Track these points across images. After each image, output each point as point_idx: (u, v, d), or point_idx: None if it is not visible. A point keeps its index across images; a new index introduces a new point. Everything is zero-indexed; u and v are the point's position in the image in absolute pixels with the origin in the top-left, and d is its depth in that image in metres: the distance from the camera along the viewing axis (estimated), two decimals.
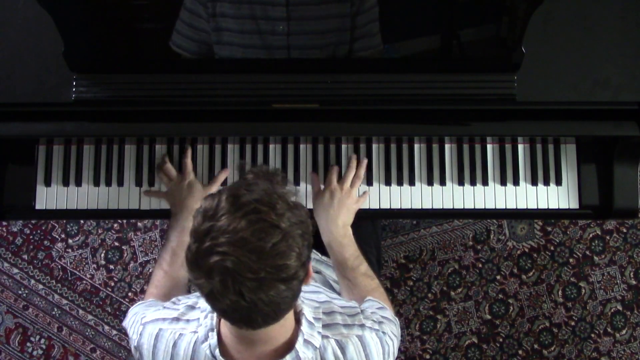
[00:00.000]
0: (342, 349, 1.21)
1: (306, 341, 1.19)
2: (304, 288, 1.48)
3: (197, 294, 1.36)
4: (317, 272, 1.74)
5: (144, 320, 1.30)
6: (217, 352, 1.18)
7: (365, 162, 1.68)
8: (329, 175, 1.66)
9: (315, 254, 1.76)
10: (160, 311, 1.31)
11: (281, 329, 1.17)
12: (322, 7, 1.49)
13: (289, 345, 1.18)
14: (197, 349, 1.21)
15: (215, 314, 1.22)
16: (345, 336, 1.23)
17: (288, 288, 1.05)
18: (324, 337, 1.21)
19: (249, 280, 1.01)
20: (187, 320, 1.26)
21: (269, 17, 1.48)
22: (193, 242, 1.05)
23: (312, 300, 1.35)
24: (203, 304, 1.28)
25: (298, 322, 1.21)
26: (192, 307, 1.30)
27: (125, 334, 2.42)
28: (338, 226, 1.59)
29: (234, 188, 1.08)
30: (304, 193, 1.71)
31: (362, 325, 1.26)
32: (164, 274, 1.57)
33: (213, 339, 1.19)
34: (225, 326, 1.19)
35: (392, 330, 1.32)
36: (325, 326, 1.23)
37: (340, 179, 1.67)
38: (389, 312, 1.38)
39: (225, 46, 1.53)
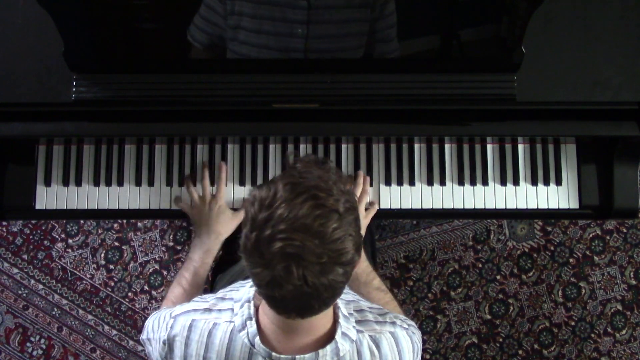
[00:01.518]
0: (377, 344, 1.22)
1: (344, 334, 1.20)
2: None
3: (228, 288, 1.36)
4: None
5: (174, 314, 1.28)
6: (256, 340, 1.18)
7: (368, 178, 1.68)
8: None
9: None
10: (189, 304, 1.30)
11: (324, 319, 1.18)
12: (343, 12, 1.48)
13: (329, 337, 1.19)
14: (234, 338, 1.20)
15: (252, 303, 1.22)
16: (379, 332, 1.24)
17: (345, 272, 1.07)
18: (358, 331, 1.22)
19: (313, 264, 1.02)
20: (220, 310, 1.25)
21: (288, 20, 1.48)
22: (251, 231, 1.06)
23: (342, 299, 1.35)
24: (234, 294, 1.28)
25: (335, 315, 1.22)
26: (222, 299, 1.29)
27: (126, 334, 2.42)
28: None
29: (289, 176, 1.09)
30: None
31: (393, 323, 1.27)
32: (183, 291, 1.56)
33: (252, 327, 1.19)
34: (264, 315, 1.19)
35: (418, 337, 1.33)
36: (357, 322, 1.24)
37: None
38: (413, 323, 1.39)
39: (240, 45, 1.52)
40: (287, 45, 1.50)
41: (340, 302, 1.23)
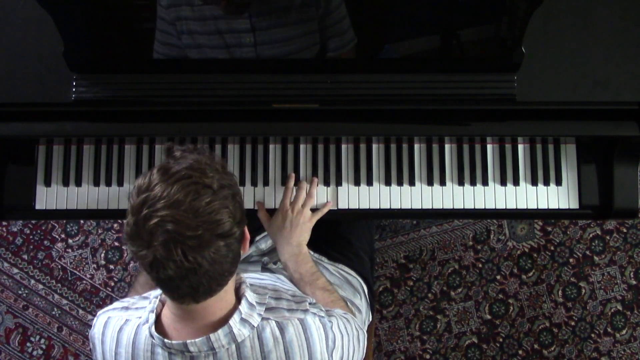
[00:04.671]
0: (282, 330, 1.23)
1: (243, 319, 1.20)
2: (260, 281, 1.48)
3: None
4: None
5: (98, 314, 1.33)
6: (152, 329, 1.21)
7: (315, 180, 1.68)
8: (282, 198, 1.66)
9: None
10: (113, 304, 1.35)
11: (220, 303, 1.19)
12: (286, 14, 1.49)
13: (224, 322, 1.20)
14: (139, 332, 1.24)
15: (158, 299, 1.25)
16: (287, 319, 1.24)
17: (226, 245, 1.09)
18: (264, 319, 1.23)
19: (189, 238, 1.05)
20: (136, 309, 1.29)
21: (234, 30, 1.49)
22: (130, 217, 1.09)
23: (264, 286, 1.37)
24: (152, 293, 1.31)
25: (238, 302, 1.23)
26: (144, 298, 1.33)
27: None
28: (292, 245, 1.60)
29: (163, 163, 1.13)
30: None
31: (305, 311, 1.27)
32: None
33: (151, 319, 1.22)
34: (166, 307, 1.23)
35: (346, 327, 1.33)
36: (268, 310, 1.25)
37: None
38: (350, 317, 1.38)
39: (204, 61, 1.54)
40: (240, 56, 1.52)
41: (250, 290, 1.25)
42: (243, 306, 1.21)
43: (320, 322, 1.27)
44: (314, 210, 1.67)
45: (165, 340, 1.19)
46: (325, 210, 1.68)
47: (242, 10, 1.47)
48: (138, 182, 1.11)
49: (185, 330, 1.20)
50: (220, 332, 1.18)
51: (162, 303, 1.25)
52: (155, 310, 1.24)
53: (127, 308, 1.30)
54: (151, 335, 1.21)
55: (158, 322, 1.23)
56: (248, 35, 1.49)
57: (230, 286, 1.20)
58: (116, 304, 1.33)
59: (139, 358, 1.23)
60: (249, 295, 1.24)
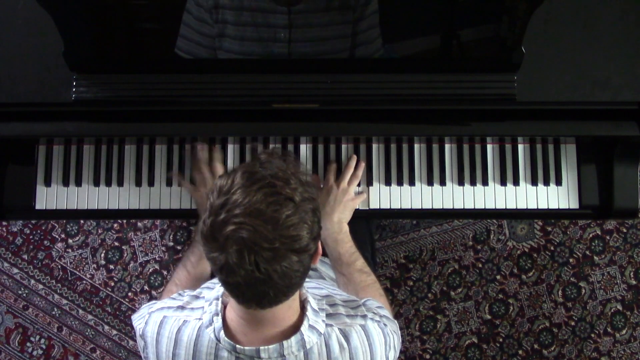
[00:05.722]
0: (346, 337, 1.23)
1: (311, 326, 1.21)
2: (306, 283, 1.49)
3: (202, 286, 1.38)
4: (314, 269, 1.75)
5: (150, 310, 1.32)
6: (221, 334, 1.20)
7: (363, 164, 1.69)
8: (327, 174, 1.68)
9: None
10: (165, 301, 1.34)
11: (288, 311, 1.19)
12: (325, 15, 1.49)
13: (295, 329, 1.19)
14: (201, 334, 1.22)
15: (220, 301, 1.24)
16: (349, 325, 1.25)
17: (300, 260, 1.08)
18: (327, 325, 1.23)
19: (264, 250, 1.03)
20: (192, 309, 1.28)
21: (271, 25, 1.49)
22: (208, 217, 1.08)
23: (314, 294, 1.36)
24: (207, 293, 1.30)
25: (303, 309, 1.23)
26: (196, 297, 1.31)
27: (126, 334, 2.42)
28: (333, 222, 1.61)
29: (248, 165, 1.11)
30: None
31: (364, 316, 1.28)
32: (187, 274, 1.59)
33: (218, 322, 1.21)
34: (231, 310, 1.21)
35: (393, 328, 1.34)
36: (328, 316, 1.25)
37: (338, 177, 1.68)
38: (387, 312, 1.39)
39: (226, 53, 1.54)
40: (270, 50, 1.51)
41: (310, 296, 1.24)
42: (309, 312, 1.21)
43: (379, 327, 1.28)
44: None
45: (237, 346, 1.18)
46: (365, 195, 1.69)
47: (293, 3, 1.46)
48: (220, 181, 1.10)
49: (254, 336, 1.19)
50: (293, 339, 1.18)
51: (224, 305, 1.24)
52: (219, 314, 1.22)
53: (182, 307, 1.29)
54: (217, 339, 1.20)
55: (224, 326, 1.21)
56: (283, 31, 1.49)
57: (297, 294, 1.19)
58: (168, 302, 1.32)
59: None
60: (312, 301, 1.24)
